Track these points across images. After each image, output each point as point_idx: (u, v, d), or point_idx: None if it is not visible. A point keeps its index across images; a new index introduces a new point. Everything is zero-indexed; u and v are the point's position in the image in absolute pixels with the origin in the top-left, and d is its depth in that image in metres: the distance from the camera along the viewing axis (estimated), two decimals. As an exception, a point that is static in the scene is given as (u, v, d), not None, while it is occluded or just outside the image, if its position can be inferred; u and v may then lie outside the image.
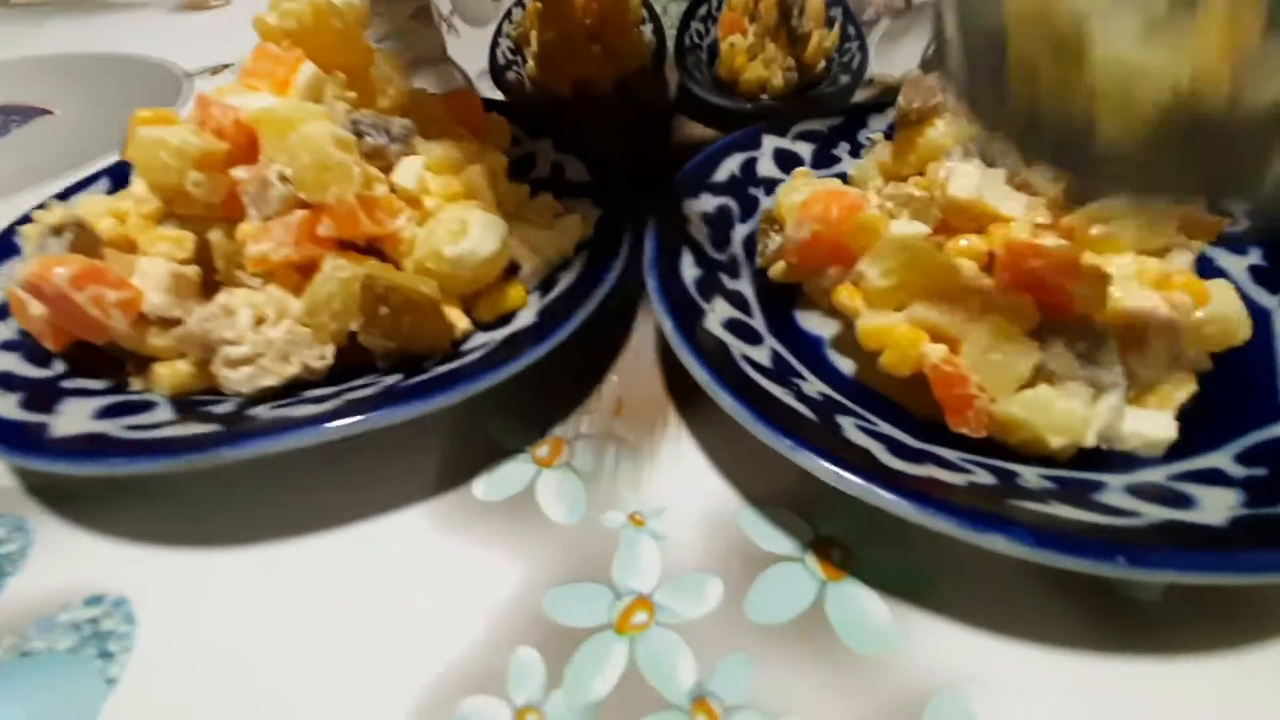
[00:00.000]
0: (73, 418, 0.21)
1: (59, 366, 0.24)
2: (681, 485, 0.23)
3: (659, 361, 0.28)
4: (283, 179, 0.23)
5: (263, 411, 0.22)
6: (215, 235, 0.24)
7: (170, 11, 0.70)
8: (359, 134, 0.24)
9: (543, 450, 0.24)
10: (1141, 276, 0.23)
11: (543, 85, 0.40)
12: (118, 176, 0.33)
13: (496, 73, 0.41)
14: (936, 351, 0.21)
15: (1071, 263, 0.21)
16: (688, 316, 0.24)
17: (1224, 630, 0.18)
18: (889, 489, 0.17)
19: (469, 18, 0.41)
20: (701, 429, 0.25)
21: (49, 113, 0.50)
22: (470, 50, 0.42)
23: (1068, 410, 0.19)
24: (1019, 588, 0.20)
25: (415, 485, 0.23)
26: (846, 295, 0.24)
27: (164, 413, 0.22)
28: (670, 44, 0.39)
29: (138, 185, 0.24)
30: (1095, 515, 0.17)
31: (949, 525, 0.16)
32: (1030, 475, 0.19)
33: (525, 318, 0.25)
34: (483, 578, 0.21)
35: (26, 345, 0.24)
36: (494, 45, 0.41)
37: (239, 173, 0.24)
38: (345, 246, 0.24)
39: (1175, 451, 0.20)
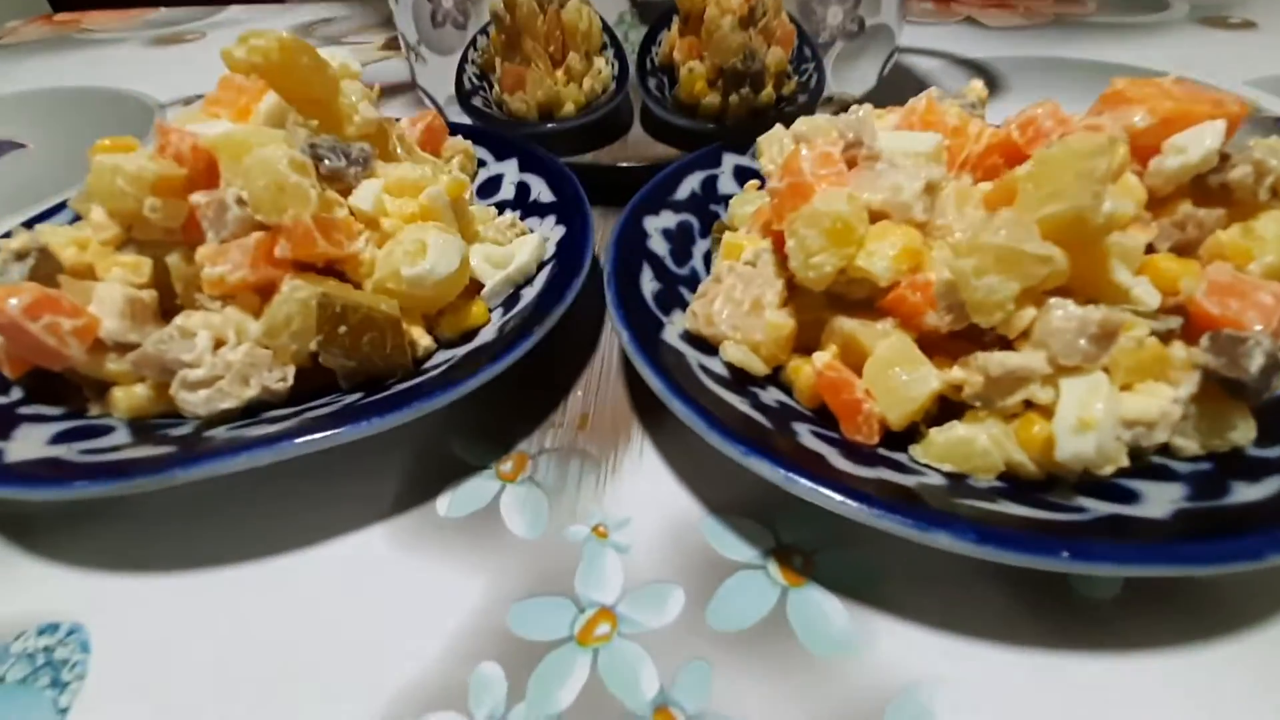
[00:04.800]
0: (27, 443, 0.21)
1: (16, 393, 0.24)
2: (645, 497, 0.23)
3: (623, 376, 0.28)
4: (240, 201, 0.23)
5: (220, 433, 0.22)
6: (173, 259, 0.24)
7: (146, 46, 0.71)
8: (317, 158, 0.25)
9: (506, 466, 0.25)
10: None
11: (508, 109, 0.41)
12: (83, 206, 0.33)
13: (464, 98, 0.42)
14: (821, 357, 0.21)
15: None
16: (646, 329, 0.24)
17: (1180, 625, 0.19)
18: (836, 490, 0.17)
19: (435, 47, 0.41)
20: (664, 441, 0.25)
21: (21, 146, 0.50)
22: (438, 78, 0.43)
23: (983, 450, 0.19)
24: (976, 588, 0.20)
25: (378, 504, 0.23)
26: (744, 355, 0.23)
27: (121, 436, 0.22)
28: (632, 67, 0.40)
29: (97, 213, 0.24)
30: (1043, 512, 0.18)
31: (894, 525, 0.17)
32: (981, 479, 0.19)
33: (487, 334, 0.26)
34: (446, 594, 0.21)
35: (-16, 374, 0.24)
36: (460, 72, 0.41)
37: (198, 197, 0.24)
38: (304, 268, 0.24)
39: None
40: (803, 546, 0.21)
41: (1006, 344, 0.19)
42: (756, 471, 0.19)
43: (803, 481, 0.18)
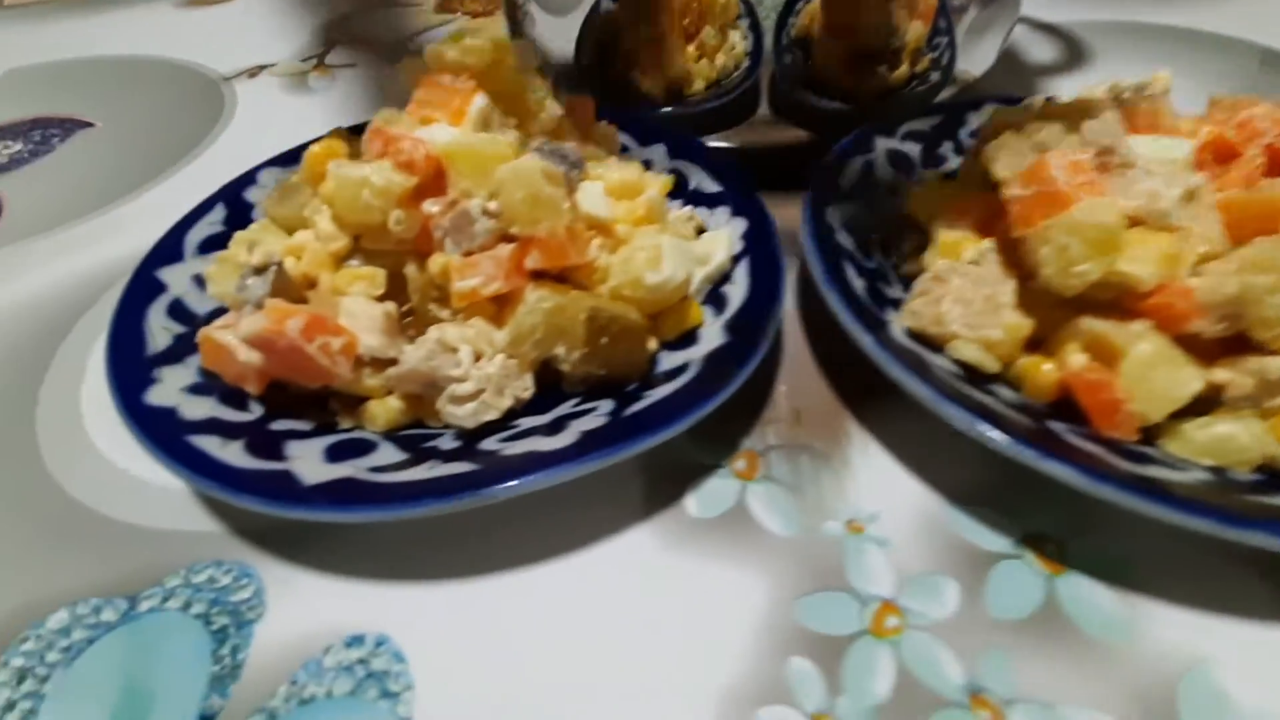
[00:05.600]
0: (309, 463, 0.21)
1: (255, 409, 0.24)
2: (884, 490, 0.24)
3: (821, 371, 0.29)
4: (487, 212, 0.23)
5: (495, 445, 0.22)
6: (411, 270, 0.24)
7: (176, 7, 0.66)
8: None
9: (740, 464, 0.25)
10: None
11: (635, 89, 0.40)
12: (233, 201, 0.32)
13: (584, 74, 0.41)
14: (1077, 359, 0.22)
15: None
16: (875, 329, 0.25)
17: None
18: (1139, 493, 0.19)
19: (548, 5, 0.40)
20: (886, 435, 0.26)
21: (90, 125, 0.48)
22: (548, 44, 0.41)
23: (1244, 446, 0.21)
24: (1229, 573, 0.21)
25: (631, 507, 0.24)
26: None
27: (389, 451, 0.22)
28: (769, 42, 0.39)
29: (324, 222, 0.24)
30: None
31: (1212, 526, 0.18)
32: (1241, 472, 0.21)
33: (711, 335, 0.26)
34: (730, 592, 0.22)
35: (216, 388, 0.24)
36: (580, 41, 0.40)
37: (430, 206, 0.24)
38: (540, 276, 0.24)
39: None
40: (1051, 535, 0.23)
41: (1261, 347, 0.21)
42: (1050, 474, 0.20)
43: (1102, 485, 0.19)
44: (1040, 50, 0.54)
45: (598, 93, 0.41)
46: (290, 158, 0.35)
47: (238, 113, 0.49)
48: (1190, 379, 0.21)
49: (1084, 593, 0.21)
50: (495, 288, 0.23)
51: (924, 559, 0.22)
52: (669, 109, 0.40)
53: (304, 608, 0.22)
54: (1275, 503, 0.19)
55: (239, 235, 0.26)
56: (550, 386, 0.25)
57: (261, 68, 0.54)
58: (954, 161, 0.35)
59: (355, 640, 0.21)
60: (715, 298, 0.28)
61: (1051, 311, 0.24)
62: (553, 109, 0.28)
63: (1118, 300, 0.22)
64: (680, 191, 0.34)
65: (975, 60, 0.41)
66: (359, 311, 0.23)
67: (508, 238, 0.23)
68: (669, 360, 0.25)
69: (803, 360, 0.29)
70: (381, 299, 0.24)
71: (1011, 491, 0.24)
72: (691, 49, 0.39)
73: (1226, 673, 0.19)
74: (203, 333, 0.23)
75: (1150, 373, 0.21)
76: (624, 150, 0.36)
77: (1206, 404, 0.22)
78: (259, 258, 0.23)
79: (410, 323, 0.24)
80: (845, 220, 0.31)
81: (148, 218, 0.39)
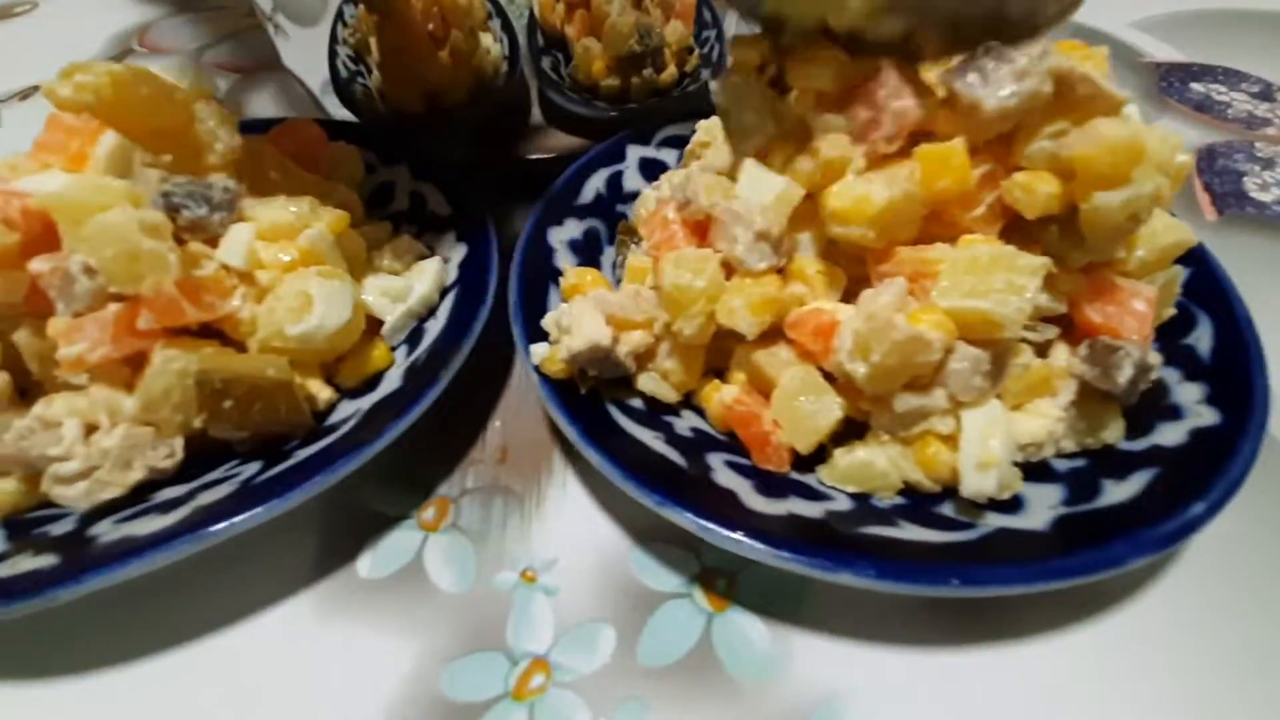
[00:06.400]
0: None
1: None
2: (571, 533, 0.23)
3: (539, 401, 0.28)
4: (88, 270, 0.21)
5: (106, 530, 0.20)
6: (22, 336, 0.22)
7: (-36, 21, 0.61)
8: (173, 208, 0.22)
9: (428, 514, 0.24)
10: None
11: (392, 100, 0.38)
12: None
13: (340, 86, 0.38)
14: (730, 391, 0.22)
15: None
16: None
17: (1075, 614, 0.21)
18: (746, 534, 0.18)
19: (294, 16, 0.37)
20: (587, 470, 0.25)
21: None
22: (307, 57, 0.39)
23: (883, 472, 0.20)
24: (887, 596, 0.21)
25: (296, 572, 0.22)
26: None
27: (-10, 541, 0.20)
28: (523, 44, 0.37)
29: (-83, 290, 0.22)
30: (938, 533, 0.19)
31: (802, 567, 0.17)
32: (884, 498, 0.20)
33: (393, 379, 0.25)
34: (376, 662, 0.20)
35: None
36: (332, 54, 0.38)
37: (38, 264, 0.21)
38: (178, 331, 0.22)
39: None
40: (725, 568, 0.22)
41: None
42: (672, 520, 0.19)
43: (715, 529, 0.18)
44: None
45: (356, 110, 0.39)
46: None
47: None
48: (831, 408, 0.20)
49: (738, 629, 0.21)
50: (103, 353, 0.21)
51: (589, 606, 0.21)
52: (439, 119, 0.38)
53: None
54: (889, 532, 0.19)
55: None
56: (217, 447, 0.23)
57: (36, 88, 0.50)
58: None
59: (-55, 758, 0.19)
60: (415, 335, 0.26)
61: (724, 341, 0.23)
62: (226, 139, 0.26)
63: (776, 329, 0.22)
64: (418, 213, 0.32)
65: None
66: (-50, 390, 0.20)
67: (119, 297, 0.21)
68: (343, 410, 0.24)
69: (527, 390, 0.28)
70: (9, 369, 0.22)
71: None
72: (444, 55, 0.37)
73: (855, 705, 0.19)
74: None
75: (793, 401, 0.20)
76: (370, 171, 0.34)
77: (860, 430, 0.21)
78: None
79: (33, 391, 0.22)
80: (576, 239, 0.30)
81: None
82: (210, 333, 0.23)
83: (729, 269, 0.22)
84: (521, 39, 0.37)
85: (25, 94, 0.50)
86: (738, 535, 0.18)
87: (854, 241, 0.20)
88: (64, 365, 0.21)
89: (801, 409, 0.20)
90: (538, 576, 0.22)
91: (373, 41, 0.36)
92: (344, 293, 0.23)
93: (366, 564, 0.23)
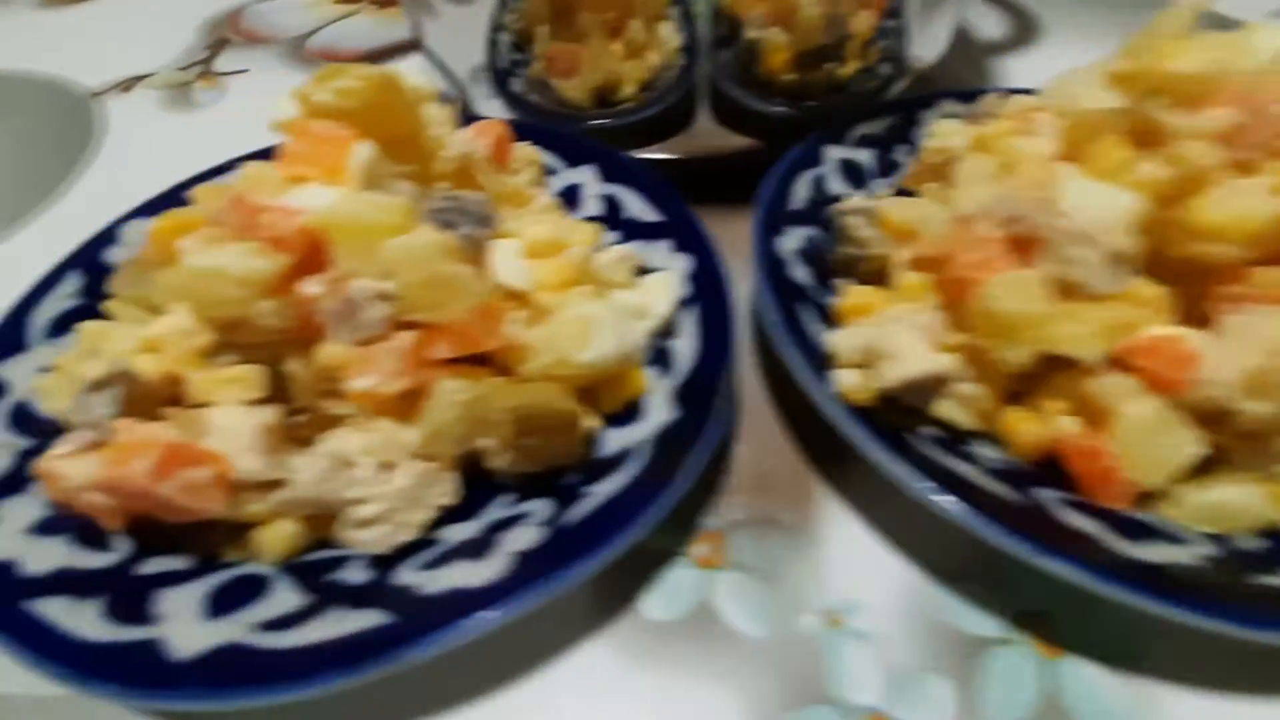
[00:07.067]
0: (184, 623, 0.18)
1: (120, 545, 0.20)
2: (862, 571, 0.22)
3: (784, 426, 0.26)
4: (378, 296, 0.19)
5: (419, 579, 0.19)
6: (294, 367, 0.20)
7: (33, 8, 0.58)
8: (447, 225, 0.21)
9: (702, 549, 0.23)
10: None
11: (556, 94, 0.35)
12: (91, 267, 0.27)
13: (499, 79, 0.36)
14: (1065, 422, 0.20)
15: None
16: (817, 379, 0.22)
17: None
18: (1154, 593, 0.16)
19: (454, -7, 0.35)
20: (860, 501, 0.23)
21: (-69, 163, 0.41)
22: (457, 41, 0.36)
23: (1242, 511, 0.19)
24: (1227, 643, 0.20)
25: (576, 612, 0.21)
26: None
27: (285, 594, 0.19)
28: (705, 35, 0.35)
29: (180, 317, 0.20)
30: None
31: (1209, 622, 0.16)
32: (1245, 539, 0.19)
33: (656, 406, 0.23)
34: (700, 713, 0.19)
35: (71, 522, 0.20)
36: (492, 41, 0.36)
37: (310, 287, 0.20)
38: (451, 360, 0.21)
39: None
40: (1039, 609, 0.21)
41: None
42: (1054, 573, 0.17)
43: (1119, 586, 0.17)
44: (988, 27, 0.51)
45: (513, 103, 0.37)
46: (159, 205, 0.30)
47: (108, 138, 0.42)
48: (1188, 442, 0.19)
49: (1084, 682, 0.19)
50: (398, 385, 0.19)
51: (911, 653, 0.20)
52: (597, 121, 0.36)
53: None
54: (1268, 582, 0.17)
55: (86, 328, 0.22)
56: (475, 478, 0.21)
57: (137, 79, 0.48)
58: (908, 169, 0.33)
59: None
60: (659, 355, 0.24)
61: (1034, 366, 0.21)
62: (455, 146, 0.24)
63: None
64: (614, 219, 0.30)
65: (927, 45, 0.38)
66: (231, 426, 0.19)
67: (405, 323, 0.19)
68: (613, 440, 0.22)
69: (762, 414, 0.26)
70: (266, 400, 0.20)
71: (999, 561, 0.21)
72: (617, 47, 0.35)
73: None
74: (40, 465, 0.19)
75: (1147, 438, 0.19)
76: (549, 173, 0.32)
77: (1205, 463, 0.20)
78: (101, 369, 0.19)
79: (302, 424, 0.20)
80: (801, 250, 0.28)
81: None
82: (477, 363, 0.21)
83: (1060, 290, 0.20)
84: (702, 30, 0.35)
85: (127, 85, 0.47)
86: (1143, 593, 0.16)
87: (1212, 260, 0.19)
88: (352, 398, 0.19)
89: (1155, 442, 0.19)
90: (843, 620, 0.21)
91: (541, 29, 0.34)
92: (620, 317, 0.22)
93: (653, 605, 0.21)
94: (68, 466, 0.18)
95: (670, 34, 0.36)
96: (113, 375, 0.19)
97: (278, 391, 0.20)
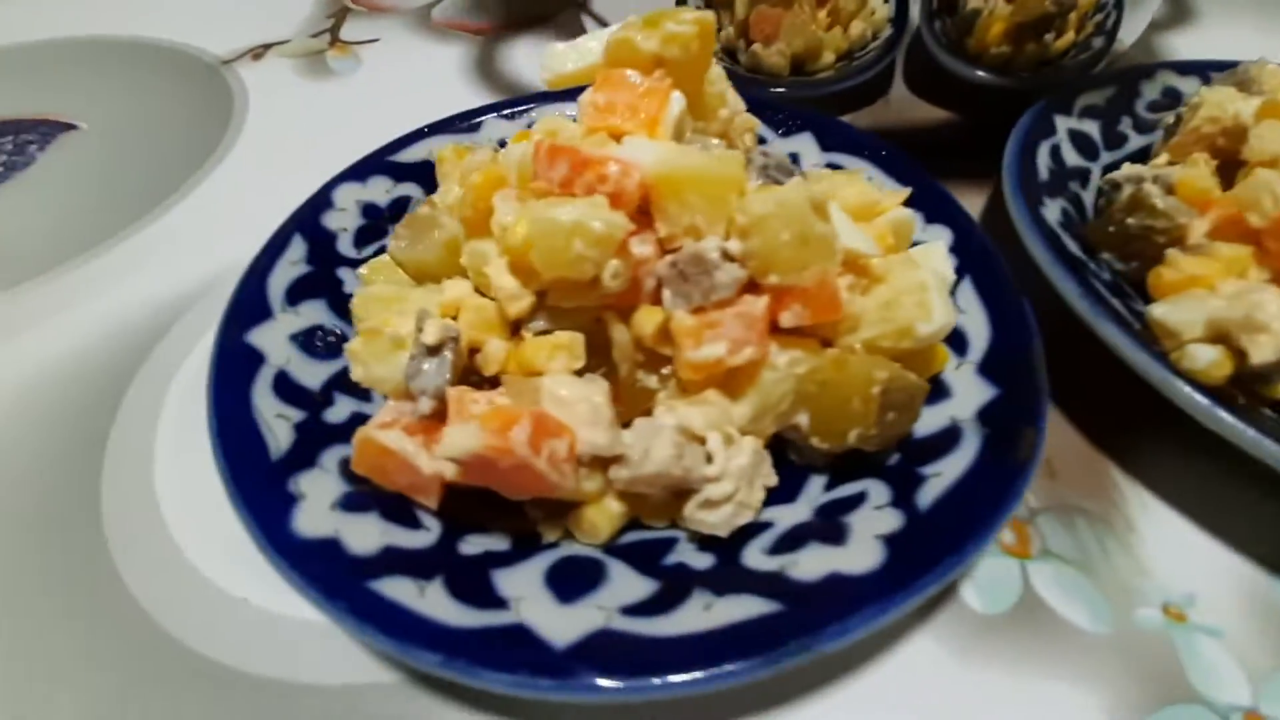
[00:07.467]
0: (539, 606, 0.16)
1: (429, 521, 0.19)
2: (1187, 561, 0.21)
3: (1060, 408, 0.24)
4: (726, 256, 0.18)
5: (761, 560, 0.17)
6: (619, 333, 0.19)
7: (139, -25, 0.56)
8: (773, 181, 0.19)
9: (1007, 536, 0.21)
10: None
11: (752, 61, 0.34)
12: (311, 234, 0.26)
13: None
14: None
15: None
16: (1161, 357, 0.20)
17: None
18: None
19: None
20: (1164, 486, 0.22)
21: (73, 127, 0.40)
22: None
23: None
24: None
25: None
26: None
27: (627, 577, 0.17)
28: (915, 6, 0.33)
29: (499, 276, 0.18)
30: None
31: None
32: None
33: (963, 383, 0.21)
34: (1057, 713, 0.18)
35: (370, 498, 0.18)
36: (679, 3, 0.34)
37: (639, 247, 0.18)
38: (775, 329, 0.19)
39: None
40: (1402, 605, 0.19)
41: None
42: None
43: None
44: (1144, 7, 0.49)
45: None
46: (366, 170, 0.28)
47: (251, 106, 0.41)
48: None
49: None
50: (747, 355, 0.18)
51: (1264, 649, 0.19)
52: (783, 89, 0.34)
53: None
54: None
55: (368, 294, 0.21)
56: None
57: (267, 47, 0.46)
58: (1135, 140, 0.31)
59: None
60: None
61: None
62: (735, 103, 0.23)
63: None
64: (843, 191, 0.29)
65: (1133, 22, 0.36)
66: (571, 397, 0.17)
67: (752, 288, 0.18)
68: (926, 418, 0.21)
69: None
70: (579, 372, 0.19)
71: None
72: (823, 15, 0.33)
73: None
74: (363, 435, 0.18)
75: None
76: (761, 142, 0.31)
77: None
78: (433, 333, 0.17)
79: (616, 396, 0.19)
80: (1061, 220, 0.26)
81: (170, 247, 0.31)
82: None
83: None
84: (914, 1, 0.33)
85: (257, 53, 0.46)
86: None
87: None
88: (689, 368, 0.18)
89: None
90: (1186, 615, 0.19)
91: (744, -7, 0.32)
92: (945, 288, 0.20)
93: (974, 596, 0.20)
94: (399, 438, 0.17)
95: (878, 3, 0.34)
96: (444, 338, 0.17)
97: (594, 361, 0.19)
